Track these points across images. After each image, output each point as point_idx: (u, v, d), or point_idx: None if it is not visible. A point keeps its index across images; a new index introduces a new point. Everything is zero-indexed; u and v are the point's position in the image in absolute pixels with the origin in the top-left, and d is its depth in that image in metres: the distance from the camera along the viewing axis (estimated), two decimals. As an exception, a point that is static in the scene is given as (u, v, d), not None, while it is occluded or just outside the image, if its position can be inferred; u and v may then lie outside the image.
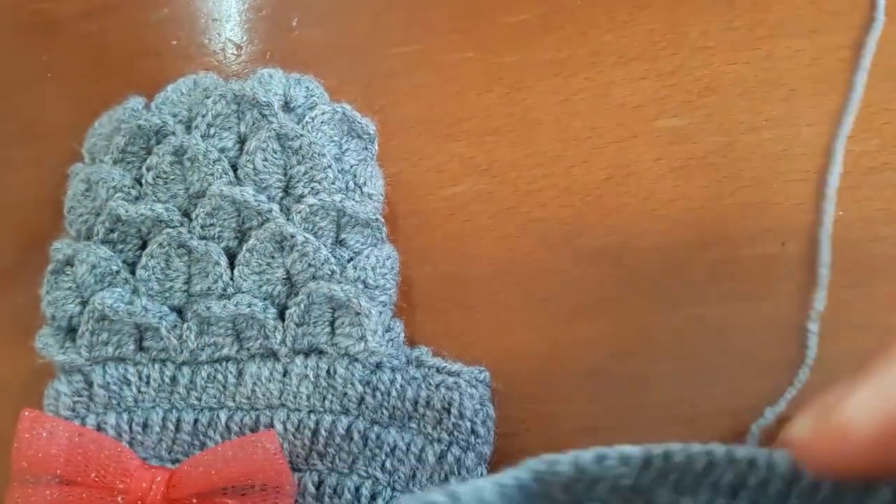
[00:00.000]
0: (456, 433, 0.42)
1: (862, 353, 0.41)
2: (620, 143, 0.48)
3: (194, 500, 0.41)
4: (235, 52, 0.55)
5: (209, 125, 0.45)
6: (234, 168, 0.45)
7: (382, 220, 0.47)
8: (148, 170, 0.45)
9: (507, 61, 0.51)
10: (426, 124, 0.50)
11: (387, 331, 0.45)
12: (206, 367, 0.45)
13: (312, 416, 0.44)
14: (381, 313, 0.44)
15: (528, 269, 0.47)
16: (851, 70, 0.47)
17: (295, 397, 0.44)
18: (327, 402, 0.44)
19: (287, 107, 0.47)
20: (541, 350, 0.45)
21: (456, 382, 0.44)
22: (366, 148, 0.49)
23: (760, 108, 0.47)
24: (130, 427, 0.44)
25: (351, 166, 0.47)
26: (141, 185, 0.45)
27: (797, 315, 0.44)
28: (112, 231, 0.44)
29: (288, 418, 0.44)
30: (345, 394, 0.43)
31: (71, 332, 0.45)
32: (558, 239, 0.47)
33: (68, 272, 0.44)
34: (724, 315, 0.44)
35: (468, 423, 0.43)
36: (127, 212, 0.43)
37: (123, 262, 0.45)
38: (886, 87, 0.46)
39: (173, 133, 0.45)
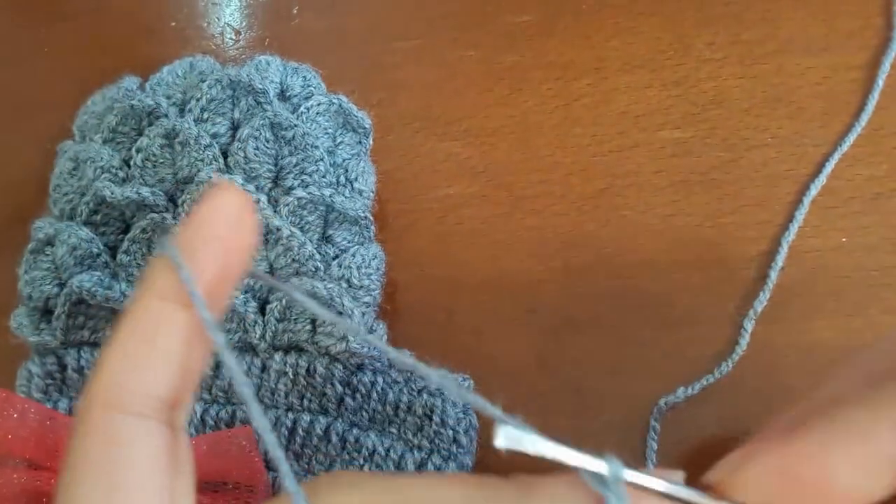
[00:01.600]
0: (437, 441, 0.41)
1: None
2: (621, 153, 0.46)
3: (164, 493, 0.38)
4: (234, 38, 0.53)
5: (203, 109, 0.44)
6: (225, 155, 0.44)
7: (371, 218, 0.46)
8: (137, 152, 0.43)
9: (508, 61, 0.50)
10: (424, 121, 0.49)
11: (370, 332, 0.42)
12: None
13: (290, 415, 0.43)
14: (363, 314, 0.42)
15: (518, 278, 0.45)
16: (862, 91, 0.45)
17: (273, 394, 0.43)
18: (305, 401, 0.43)
19: (283, 95, 0.46)
20: (527, 362, 0.43)
21: (439, 388, 0.42)
22: (360, 142, 0.48)
23: (766, 124, 0.46)
24: None
25: (343, 160, 0.46)
26: (129, 166, 0.44)
27: (796, 340, 0.41)
28: (96, 212, 0.43)
29: (264, 415, 0.40)
30: (324, 394, 0.42)
31: (47, 313, 0.43)
32: (551, 248, 0.45)
33: (48, 252, 0.43)
34: (717, 337, 0.42)
35: (450, 432, 0.41)
36: (112, 193, 0.42)
37: (105, 245, 0.43)
38: (897, 109, 0.44)
39: (166, 115, 0.44)
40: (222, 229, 0.26)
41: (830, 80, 0.47)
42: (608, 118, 0.48)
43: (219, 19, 0.54)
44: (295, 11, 0.53)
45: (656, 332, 0.43)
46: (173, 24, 0.51)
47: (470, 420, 0.42)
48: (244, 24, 0.54)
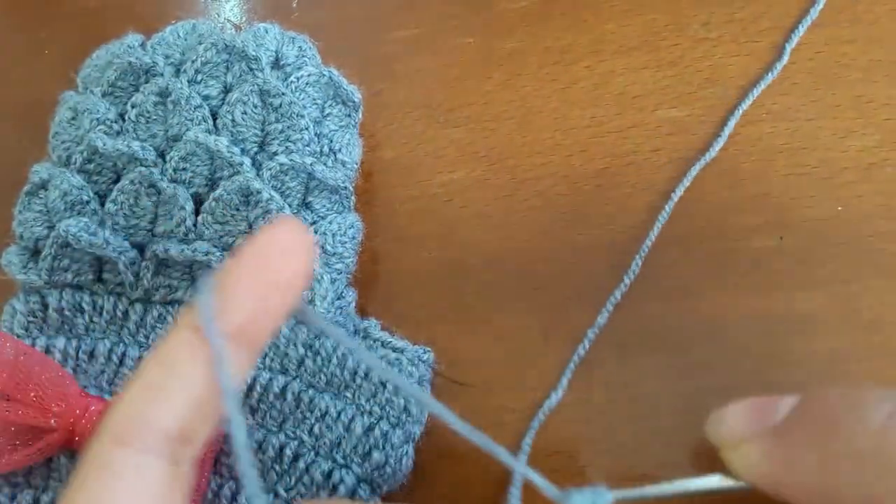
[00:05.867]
0: (388, 408, 0.42)
1: (851, 347, 0.41)
2: (620, 133, 0.48)
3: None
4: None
5: (197, 71, 0.47)
6: (215, 116, 0.47)
7: (352, 188, 0.48)
8: (132, 107, 0.47)
9: (507, 48, 0.52)
10: (425, 109, 0.51)
11: (338, 298, 0.45)
12: (158, 307, 0.46)
13: (250, 371, 0.44)
14: (334, 280, 0.45)
15: (524, 257, 0.47)
16: (853, 65, 0.47)
17: None
18: (267, 360, 0.45)
19: (277, 63, 0.49)
20: (534, 338, 0.45)
21: (398, 359, 0.44)
22: (349, 115, 0.50)
23: (761, 100, 0.47)
24: (77, 354, 0.46)
25: (330, 131, 0.48)
26: (124, 120, 0.47)
27: (792, 308, 0.43)
28: (89, 161, 0.47)
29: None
30: (286, 354, 0.44)
31: (36, 253, 0.47)
32: (555, 227, 0.47)
33: (41, 195, 0.47)
34: (718, 307, 0.44)
35: (401, 401, 0.43)
36: (105, 145, 0.46)
37: (96, 193, 0.47)
38: (888, 82, 0.45)
39: (161, 74, 0.47)
40: (266, 266, 0.27)
41: (822, 55, 0.49)
42: (606, 100, 0.50)
43: (219, 15, 0.57)
44: (294, 5, 0.56)
45: (658, 303, 0.45)
46: (174, 21, 0.53)
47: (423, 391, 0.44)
48: (244, 19, 0.57)
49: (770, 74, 0.48)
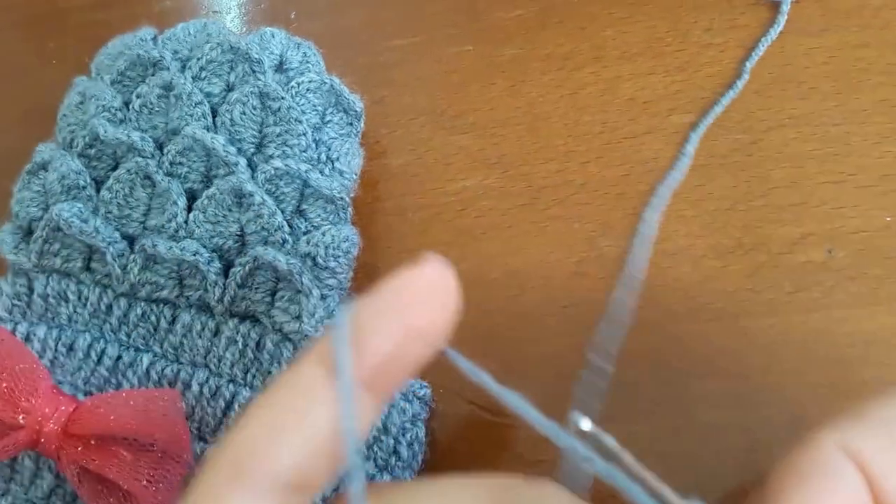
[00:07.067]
0: (375, 448, 0.27)
1: None
2: (635, 139, 0.28)
3: (92, 441, 0.27)
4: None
5: (202, 68, 0.33)
6: (216, 114, 0.33)
7: (349, 199, 0.33)
8: (137, 97, 0.33)
9: (507, 55, 0.34)
10: (430, 115, 0.33)
11: (328, 317, 0.30)
12: (142, 304, 0.31)
13: (231, 387, 0.29)
14: (324, 297, 0.30)
15: (549, 271, 0.24)
16: (872, 69, 0.24)
17: (219, 361, 0.30)
18: (249, 376, 0.29)
19: (280, 68, 0.35)
20: (568, 361, 0.22)
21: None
22: (350, 124, 0.34)
23: (780, 105, 0.26)
24: (56, 345, 0.30)
25: (329, 138, 0.33)
26: (129, 109, 0.33)
27: (857, 327, 0.21)
28: (90, 147, 0.33)
29: (207, 381, 0.29)
30: (269, 371, 0.29)
31: (29, 234, 0.34)
32: (579, 239, 0.25)
33: (41, 176, 0.34)
34: (768, 328, 0.21)
35: (391, 441, 0.28)
36: (106, 132, 0.32)
37: (94, 179, 0.33)
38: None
39: (167, 68, 0.34)
40: (410, 308, 0.14)
41: (836, 59, 0.27)
42: (616, 105, 0.31)
43: (220, 27, 0.33)
44: (293, 16, 0.35)
45: (698, 324, 0.23)
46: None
47: (416, 432, 0.26)
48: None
49: (732, 91, 0.26)
